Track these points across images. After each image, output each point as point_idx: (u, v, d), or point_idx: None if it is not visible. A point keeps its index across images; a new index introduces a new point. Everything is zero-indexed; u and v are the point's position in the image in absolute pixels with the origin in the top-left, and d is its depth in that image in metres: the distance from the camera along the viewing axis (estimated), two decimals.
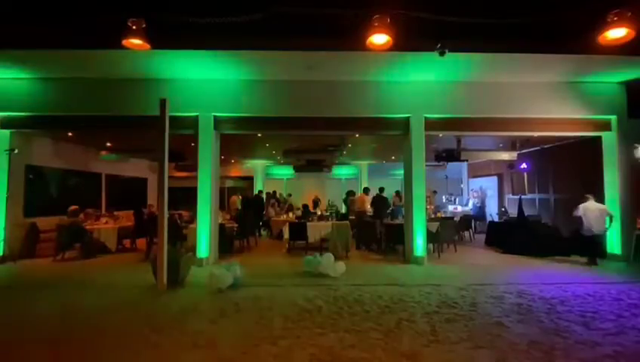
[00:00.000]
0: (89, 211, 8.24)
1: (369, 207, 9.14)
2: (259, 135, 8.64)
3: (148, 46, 3.66)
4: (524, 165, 10.20)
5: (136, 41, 3.58)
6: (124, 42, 3.58)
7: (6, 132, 6.87)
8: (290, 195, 14.17)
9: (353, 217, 9.80)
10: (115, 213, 9.10)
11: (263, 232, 11.14)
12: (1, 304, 4.44)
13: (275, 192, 13.13)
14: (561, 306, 4.14)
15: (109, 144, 9.99)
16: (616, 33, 3.37)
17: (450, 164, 12.13)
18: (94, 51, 5.34)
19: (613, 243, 6.87)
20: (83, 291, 4.89)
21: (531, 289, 4.86)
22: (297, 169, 13.87)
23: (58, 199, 8.69)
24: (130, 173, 12.48)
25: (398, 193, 10.45)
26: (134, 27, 3.43)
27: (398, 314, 3.88)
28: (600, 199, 7.11)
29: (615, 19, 3.22)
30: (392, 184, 13.36)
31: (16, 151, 6.87)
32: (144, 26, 3.46)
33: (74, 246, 7.33)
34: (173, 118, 5.45)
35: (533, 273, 5.84)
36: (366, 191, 9.54)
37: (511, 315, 3.83)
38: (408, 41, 3.74)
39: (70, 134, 8.22)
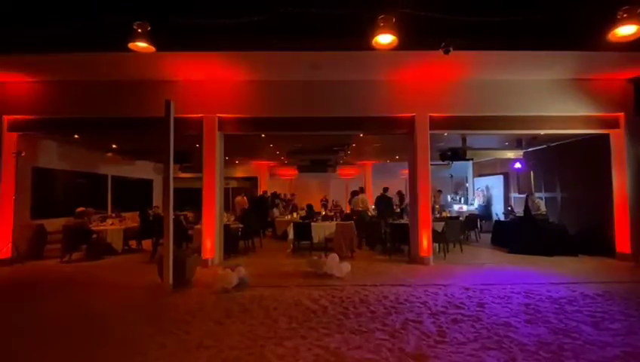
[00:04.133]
0: (89, 210, 8.19)
1: (361, 206, 9.64)
2: (263, 135, 8.64)
3: (153, 49, 3.69)
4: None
5: (141, 45, 3.61)
6: (130, 45, 3.61)
7: (13, 135, 6.95)
8: (293, 195, 14.18)
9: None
10: (122, 214, 9.17)
11: (268, 233, 11.15)
12: (9, 304, 4.49)
13: (275, 192, 13.16)
14: (570, 306, 4.09)
15: (114, 146, 10.07)
16: (626, 30, 3.31)
17: (455, 162, 12.05)
18: (100, 54, 5.38)
19: (623, 242, 6.77)
20: (89, 292, 4.93)
21: (539, 289, 4.81)
22: (302, 169, 13.87)
23: (65, 201, 8.77)
24: (135, 174, 12.57)
25: (400, 193, 10.45)
26: (140, 30, 3.46)
27: (404, 315, 3.86)
28: (608, 197, 7.04)
29: (625, 16, 3.16)
30: (396, 183, 13.31)
31: (23, 153, 6.94)
32: (149, 29, 3.48)
33: (80, 247, 7.39)
34: (177, 120, 5.46)
35: (540, 272, 5.78)
36: (361, 190, 10.24)
37: (519, 315, 3.79)
38: (413, 39, 3.72)
39: (76, 136, 8.29)
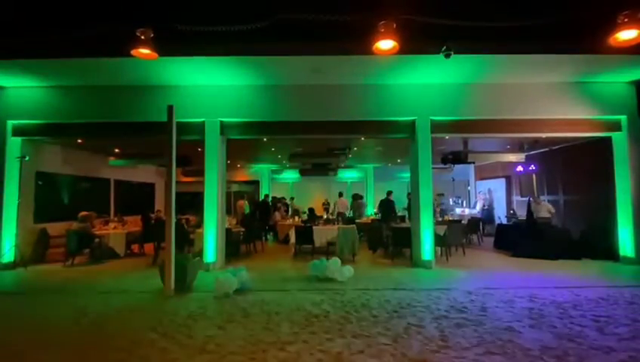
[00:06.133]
0: (92, 214, 8.19)
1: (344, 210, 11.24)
2: (265, 139, 8.68)
3: (156, 55, 3.73)
4: (532, 167, 10.12)
5: (144, 51, 3.65)
6: (133, 52, 3.65)
7: (17, 139, 7.00)
8: (292, 199, 14.20)
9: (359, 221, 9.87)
10: (124, 218, 9.19)
11: (270, 236, 11.17)
12: (12, 309, 4.50)
13: (274, 197, 13.20)
14: (574, 310, 4.06)
15: (117, 150, 10.12)
16: (628, 35, 3.32)
17: (456, 166, 12.04)
18: (104, 59, 5.43)
19: (627, 245, 6.73)
20: (92, 296, 4.94)
21: (542, 293, 4.78)
22: (303, 173, 13.90)
23: (68, 205, 8.82)
24: (138, 178, 12.61)
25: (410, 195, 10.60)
26: (142, 37, 3.51)
27: (406, 319, 3.84)
28: (611, 200, 7.01)
29: (626, 20, 3.17)
30: (398, 187, 13.31)
31: (27, 158, 6.99)
32: (152, 35, 3.52)
33: (83, 251, 7.41)
34: (180, 124, 5.51)
35: (543, 276, 5.74)
36: (340, 194, 11.98)
37: (522, 320, 3.77)
38: (414, 44, 3.74)
39: (80, 141, 8.35)
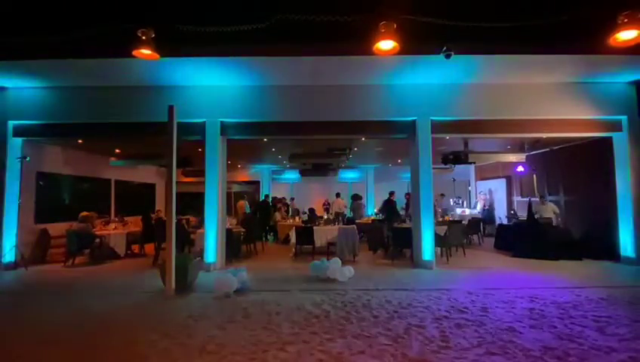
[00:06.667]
0: (93, 215, 8.18)
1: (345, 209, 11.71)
2: (265, 140, 8.68)
3: (157, 56, 3.74)
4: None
5: (145, 51, 3.66)
6: (135, 52, 3.66)
7: (18, 140, 7.01)
8: (292, 199, 14.21)
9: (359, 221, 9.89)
10: (124, 218, 9.19)
11: (270, 237, 11.17)
12: (13, 309, 4.51)
13: (274, 198, 13.21)
14: (575, 311, 4.06)
15: (117, 151, 10.14)
16: (627, 35, 3.32)
17: (457, 166, 12.04)
18: (104, 60, 5.44)
19: (627, 246, 6.72)
20: (92, 296, 4.94)
21: (543, 293, 4.77)
22: (304, 173, 13.91)
23: (69, 205, 8.83)
24: (138, 178, 12.62)
25: (408, 195, 10.65)
26: (144, 37, 3.51)
27: (407, 320, 3.84)
28: (612, 200, 7.00)
29: (625, 20, 3.17)
30: (399, 187, 13.31)
31: (27, 158, 7.00)
32: (153, 36, 3.53)
33: (83, 251, 7.42)
34: (180, 124, 5.50)
35: (544, 277, 5.74)
36: (338, 195, 12.33)
37: (523, 320, 3.77)
38: (415, 44, 3.74)
39: (80, 141, 8.36)
